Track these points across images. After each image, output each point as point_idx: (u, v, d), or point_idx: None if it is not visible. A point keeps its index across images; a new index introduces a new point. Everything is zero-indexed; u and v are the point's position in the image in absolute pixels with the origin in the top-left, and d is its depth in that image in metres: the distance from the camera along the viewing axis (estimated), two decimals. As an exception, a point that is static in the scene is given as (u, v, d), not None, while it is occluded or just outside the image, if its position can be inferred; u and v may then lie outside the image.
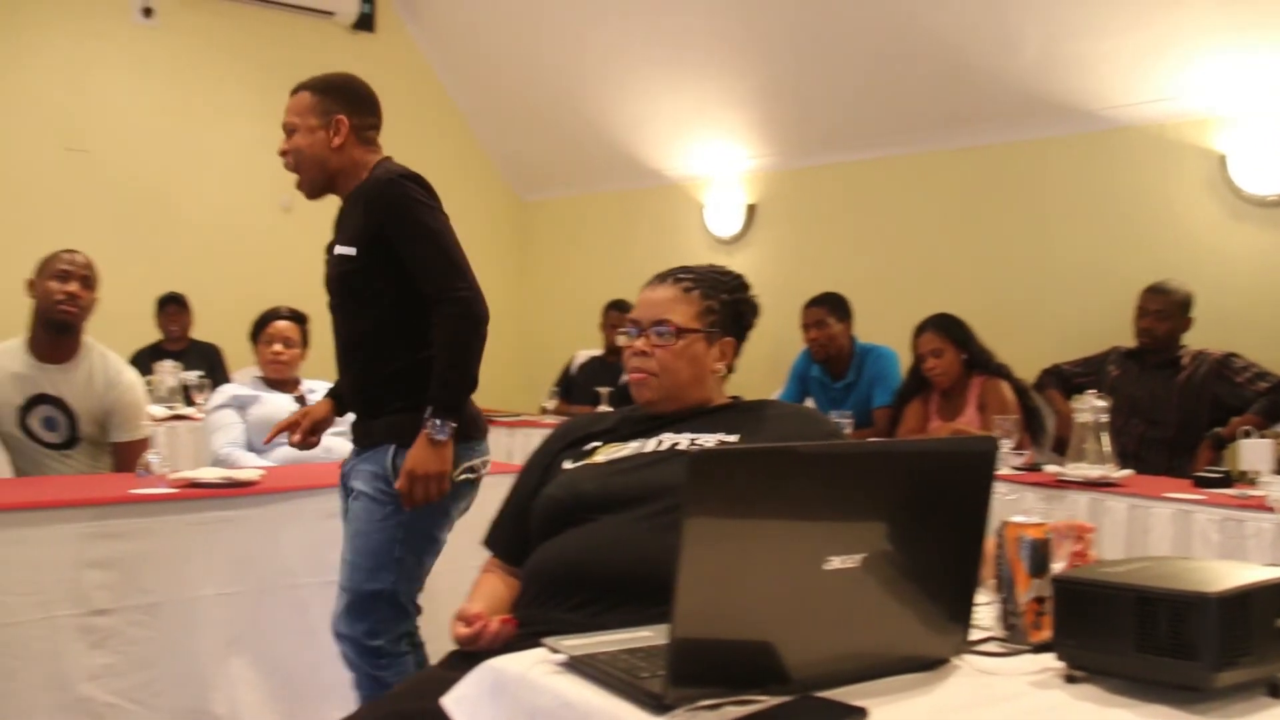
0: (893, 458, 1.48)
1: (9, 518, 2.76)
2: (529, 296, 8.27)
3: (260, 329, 4.17)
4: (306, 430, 2.90)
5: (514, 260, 8.27)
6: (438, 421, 2.52)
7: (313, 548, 3.20)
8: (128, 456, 3.52)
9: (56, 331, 3.56)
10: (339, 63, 7.13)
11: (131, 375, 3.72)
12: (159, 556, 2.96)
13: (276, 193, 7.17)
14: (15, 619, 2.74)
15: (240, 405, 4.02)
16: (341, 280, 2.68)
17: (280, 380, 4.12)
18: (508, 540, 2.18)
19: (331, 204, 7.58)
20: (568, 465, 2.12)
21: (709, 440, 2.05)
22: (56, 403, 3.54)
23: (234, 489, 3.11)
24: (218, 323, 6.33)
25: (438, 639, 2.63)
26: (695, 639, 1.27)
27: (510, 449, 5.70)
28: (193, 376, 4.79)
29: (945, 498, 1.46)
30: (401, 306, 2.63)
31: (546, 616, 1.86)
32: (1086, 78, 5.11)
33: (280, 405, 4.01)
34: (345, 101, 2.75)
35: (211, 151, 6.95)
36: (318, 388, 4.16)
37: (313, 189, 2.78)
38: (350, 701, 3.18)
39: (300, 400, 4.06)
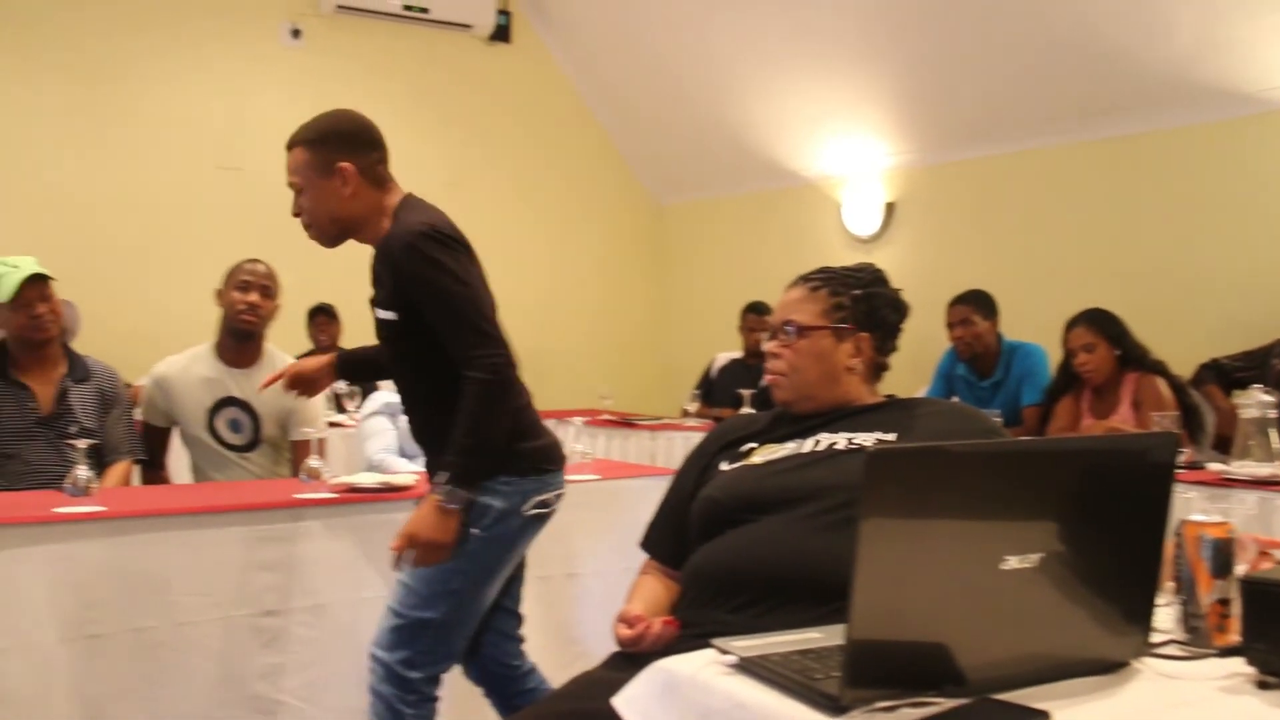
0: (1070, 455, 1.45)
1: (183, 521, 2.87)
2: (667, 300, 8.30)
3: (411, 337, 4.26)
4: (288, 383, 2.89)
5: (652, 264, 8.32)
6: (450, 489, 2.41)
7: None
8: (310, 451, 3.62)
9: (240, 338, 3.74)
10: (475, 74, 7.39)
11: None
12: (322, 559, 3.05)
13: (420, 203, 7.35)
14: (192, 618, 2.85)
15: (392, 413, 4.11)
16: (390, 343, 2.61)
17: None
18: (665, 542, 2.20)
19: (476, 215, 7.73)
20: (725, 467, 2.12)
21: (866, 439, 2.04)
22: (242, 405, 3.70)
23: (391, 493, 3.19)
24: (365, 332, 6.48)
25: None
26: (871, 640, 1.26)
27: (653, 452, 5.73)
28: (343, 385, 4.92)
29: (1124, 496, 1.42)
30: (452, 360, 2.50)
31: (709, 618, 1.87)
32: (1243, 59, 4.92)
33: (431, 411, 4.09)
34: (343, 145, 2.56)
35: (356, 165, 7.14)
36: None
37: (330, 241, 2.64)
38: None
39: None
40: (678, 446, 5.64)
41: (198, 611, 2.87)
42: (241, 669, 2.93)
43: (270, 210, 6.60)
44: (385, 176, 2.61)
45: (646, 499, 3.53)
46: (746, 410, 5.37)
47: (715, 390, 6.42)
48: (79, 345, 3.93)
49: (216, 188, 6.64)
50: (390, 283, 2.49)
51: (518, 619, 2.84)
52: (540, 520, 2.60)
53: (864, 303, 2.17)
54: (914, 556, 1.28)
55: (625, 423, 6.04)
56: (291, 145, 2.58)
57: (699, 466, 2.21)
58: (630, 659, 1.86)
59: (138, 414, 3.80)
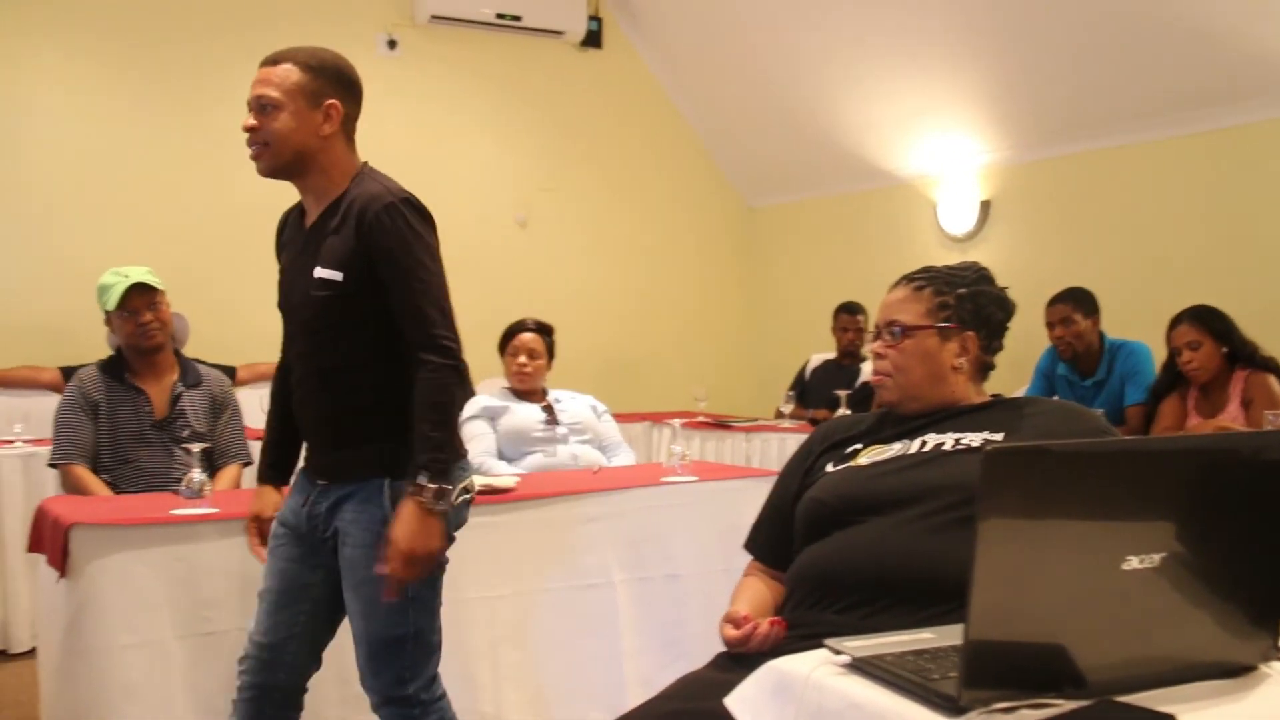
0: (1188, 454, 1.42)
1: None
2: (758, 302, 8.28)
3: (507, 341, 4.31)
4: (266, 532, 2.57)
5: (743, 266, 8.30)
6: (433, 488, 2.21)
7: (570, 552, 3.30)
8: None
9: None
10: (568, 79, 7.44)
11: None
12: (426, 560, 3.10)
13: (513, 208, 7.42)
14: (301, 619, 2.91)
15: (491, 416, 4.16)
16: (322, 305, 2.35)
17: (527, 391, 4.24)
18: (769, 543, 2.20)
19: (570, 220, 7.72)
20: (830, 468, 2.11)
21: (974, 439, 2.01)
22: None
23: (493, 495, 3.23)
24: (461, 336, 6.57)
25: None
26: (990, 641, 1.25)
27: (749, 454, 5.71)
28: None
29: (1244, 495, 1.39)
30: (386, 333, 2.33)
31: (816, 619, 1.86)
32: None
33: (529, 415, 4.13)
34: (337, 85, 2.37)
35: (450, 172, 7.23)
36: (564, 398, 4.27)
37: (274, 172, 2.36)
38: (615, 705, 3.27)
39: (547, 410, 4.17)
40: (773, 448, 5.63)
41: (306, 612, 2.93)
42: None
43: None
44: (353, 134, 2.43)
45: (745, 500, 3.55)
46: (843, 411, 5.34)
47: (809, 391, 6.39)
48: (187, 354, 4.05)
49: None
50: (353, 244, 2.29)
51: (331, 635, 2.54)
52: (467, 505, 2.44)
53: (969, 301, 2.15)
54: (1033, 556, 1.26)
55: (720, 425, 6.04)
56: (280, 60, 2.36)
57: (803, 468, 2.20)
58: (737, 660, 1.86)
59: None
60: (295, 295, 2.43)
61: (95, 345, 4.51)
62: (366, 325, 2.32)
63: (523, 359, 4.24)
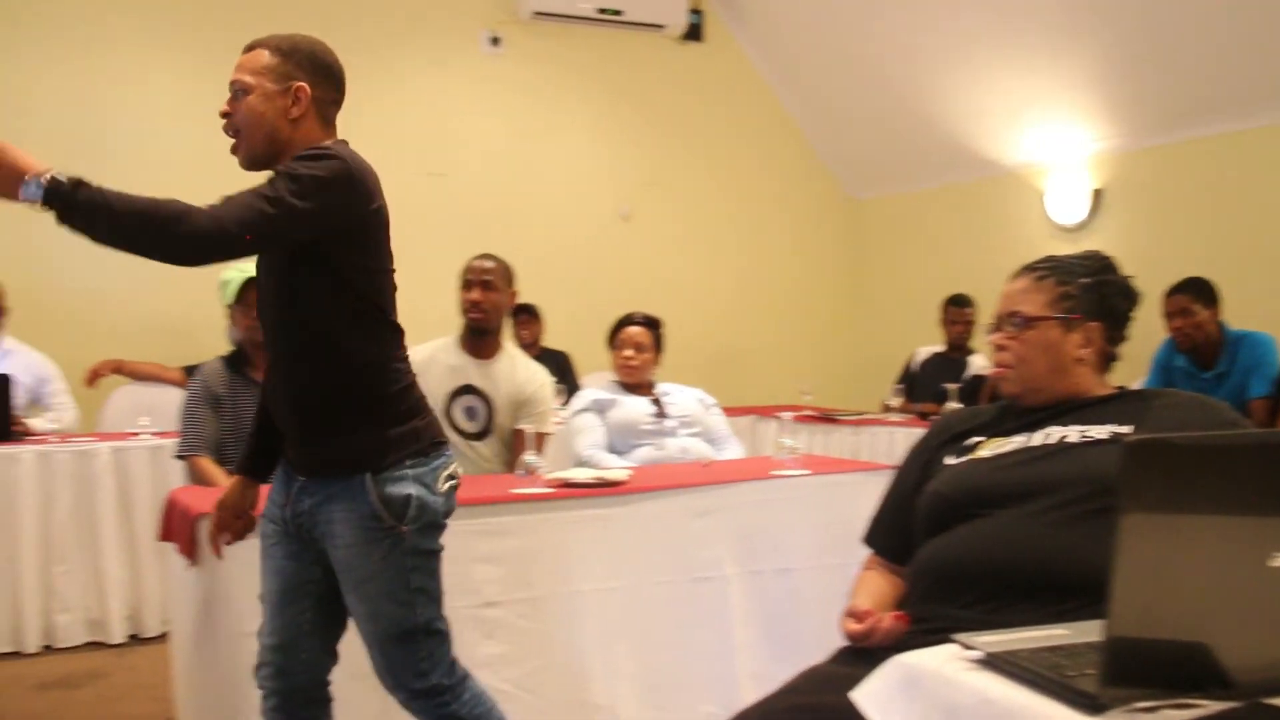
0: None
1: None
2: (864, 295, 8.21)
3: (615, 334, 4.33)
4: (231, 528, 2.56)
5: (847, 259, 8.24)
6: (54, 180, 1.92)
7: (682, 545, 3.31)
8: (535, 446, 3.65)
9: (473, 333, 3.88)
10: (670, 73, 7.44)
11: (545, 374, 4.00)
12: (539, 553, 3.14)
13: (615, 202, 7.45)
14: (419, 609, 2.96)
15: (600, 409, 4.18)
16: (275, 284, 2.31)
17: (635, 384, 4.25)
18: (888, 537, 2.18)
19: (672, 213, 7.74)
20: (950, 461, 2.09)
21: (1100, 432, 1.97)
22: (479, 394, 3.83)
23: (606, 488, 3.25)
24: (565, 330, 6.63)
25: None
26: (1131, 638, 1.22)
27: (856, 448, 5.67)
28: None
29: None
30: (350, 317, 2.28)
31: (940, 613, 1.84)
32: None
33: (638, 408, 4.15)
34: (309, 69, 2.32)
35: (554, 166, 7.29)
36: (672, 390, 4.28)
37: (253, 160, 2.30)
38: (727, 699, 3.27)
39: (656, 403, 4.18)
40: (881, 441, 5.58)
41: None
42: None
43: (476, 213, 6.90)
44: (332, 119, 2.37)
45: (857, 494, 3.53)
46: (951, 405, 5.27)
47: (917, 384, 6.32)
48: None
49: (425, 193, 6.87)
50: None
51: (342, 629, 2.46)
52: (453, 493, 2.40)
53: (1093, 291, 2.10)
54: (1175, 552, 1.23)
55: (827, 418, 6.00)
56: (255, 45, 2.33)
57: (921, 461, 2.18)
58: (860, 654, 1.85)
59: None
60: (262, 279, 2.38)
61: (215, 345, 4.63)
62: (324, 307, 2.26)
63: (629, 352, 4.25)
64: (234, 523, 2.55)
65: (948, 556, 1.92)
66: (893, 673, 1.46)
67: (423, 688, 2.35)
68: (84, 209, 1.94)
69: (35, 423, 4.98)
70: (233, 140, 2.30)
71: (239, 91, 2.28)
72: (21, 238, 5.88)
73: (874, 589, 2.11)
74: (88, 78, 6.08)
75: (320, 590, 2.38)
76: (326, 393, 2.30)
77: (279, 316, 2.33)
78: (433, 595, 2.37)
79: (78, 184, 1.94)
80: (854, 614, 1.90)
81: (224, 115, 2.30)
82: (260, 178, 2.20)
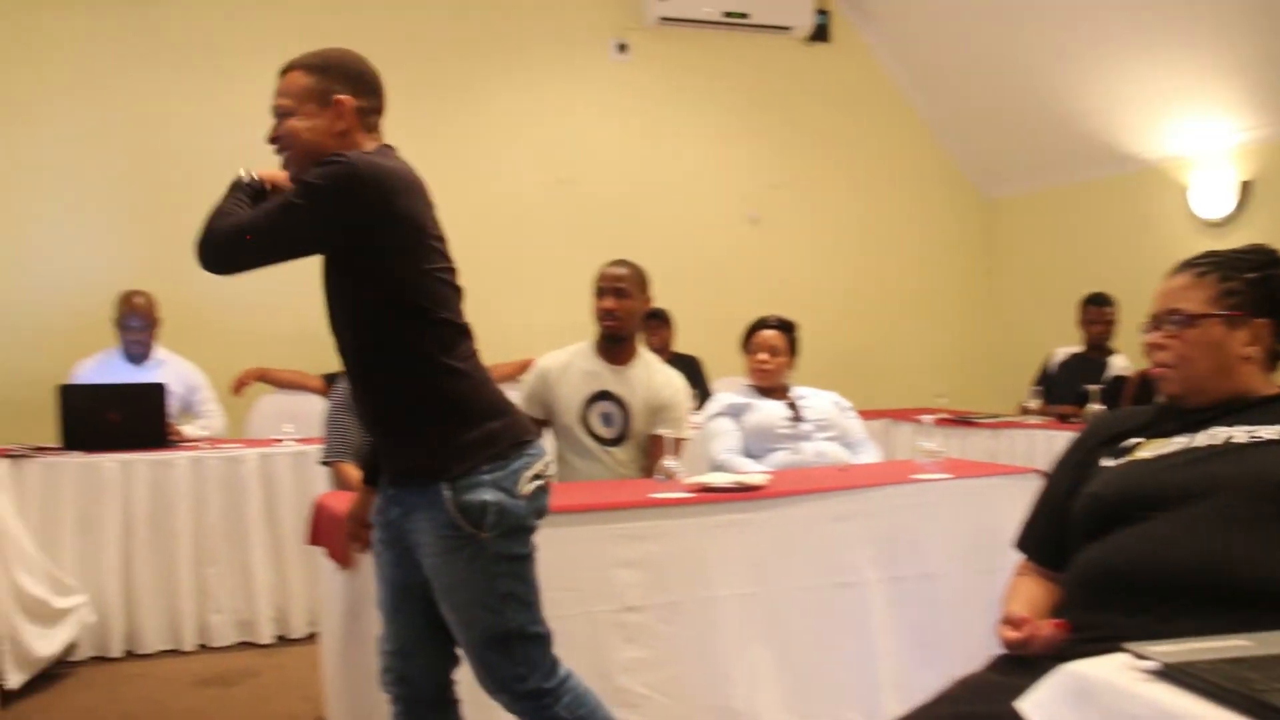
0: None
1: (551, 520, 2.98)
2: (997, 295, 8.05)
3: (748, 338, 4.31)
4: (360, 538, 2.64)
5: (980, 258, 8.09)
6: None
7: (822, 550, 3.28)
8: (670, 451, 3.61)
9: (607, 340, 3.86)
10: (796, 75, 7.41)
11: (681, 379, 3.96)
12: (679, 557, 3.13)
13: (743, 205, 7.43)
14: (560, 613, 2.95)
15: (735, 413, 4.16)
16: (339, 298, 2.34)
17: (770, 388, 4.23)
18: (1042, 542, 2.13)
19: (801, 216, 7.71)
20: (1108, 463, 2.02)
21: (1270, 433, 1.89)
22: (616, 400, 3.81)
23: (745, 493, 3.23)
24: (695, 335, 6.63)
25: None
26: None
27: (994, 451, 5.55)
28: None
29: None
30: (414, 324, 2.28)
31: (1103, 621, 1.78)
32: None
33: (773, 412, 4.12)
34: (346, 80, 2.36)
35: (681, 171, 7.30)
36: (807, 394, 4.25)
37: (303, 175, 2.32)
38: (869, 706, 3.23)
39: (791, 406, 4.15)
40: (1020, 444, 5.46)
41: (564, 606, 2.97)
42: (606, 663, 3.03)
43: (605, 218, 6.95)
44: (375, 127, 2.41)
45: (1001, 499, 3.46)
46: (1094, 406, 5.14)
47: (1054, 386, 6.17)
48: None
49: (555, 200, 6.95)
50: None
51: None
52: (543, 492, 2.37)
53: (1260, 286, 2.02)
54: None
55: (963, 421, 5.89)
56: (289, 69, 2.37)
57: (1076, 463, 2.12)
58: (1017, 662, 1.81)
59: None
60: (328, 291, 2.39)
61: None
62: (371, 314, 2.28)
63: (763, 355, 4.23)
64: (362, 532, 2.60)
65: (1110, 562, 1.85)
66: (1062, 683, 1.42)
67: (523, 691, 2.34)
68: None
69: (187, 429, 5.16)
70: (282, 161, 2.38)
71: (282, 115, 2.34)
72: (172, 252, 6.09)
73: (1028, 595, 2.05)
74: (219, 92, 6.30)
75: (428, 594, 2.38)
76: (389, 400, 2.33)
77: (337, 327, 2.36)
78: (524, 600, 2.34)
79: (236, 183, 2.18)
80: (1011, 621, 1.86)
81: (271, 141, 2.36)
82: None
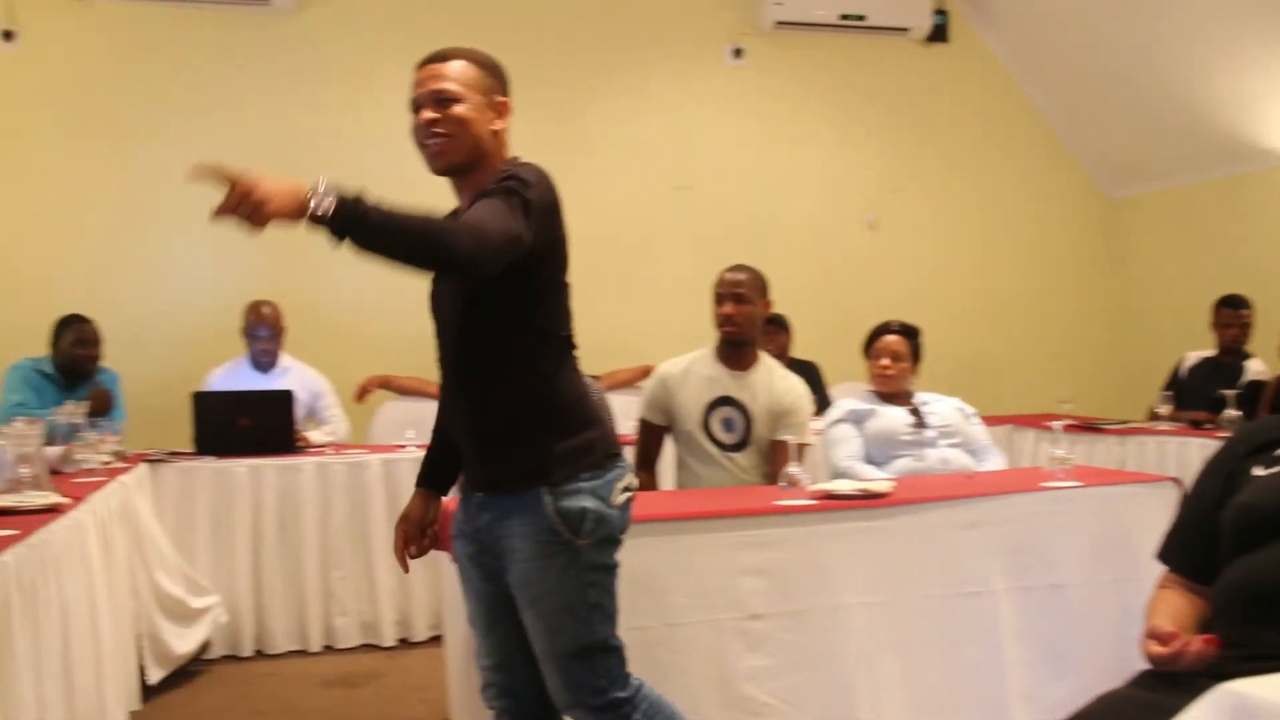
0: None
1: (676, 526, 3.01)
2: (1123, 298, 7.83)
3: (871, 343, 4.25)
4: (416, 542, 2.61)
5: (1104, 260, 7.87)
6: (327, 197, 1.91)
7: (948, 559, 3.22)
8: (787, 456, 3.56)
9: (728, 345, 3.83)
10: (912, 76, 7.32)
11: (803, 385, 3.91)
12: (804, 565, 3.10)
13: (861, 209, 7.36)
14: (684, 620, 2.98)
15: (857, 419, 4.11)
16: (462, 304, 2.32)
17: (892, 393, 4.17)
18: (1187, 554, 2.06)
19: (919, 219, 7.59)
20: (1260, 472, 1.95)
21: None
22: (737, 405, 3.78)
23: (869, 500, 3.19)
24: (813, 340, 6.57)
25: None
26: None
27: (1122, 458, 5.40)
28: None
29: None
30: (526, 333, 2.29)
31: (1259, 638, 1.71)
32: None
33: (896, 418, 4.06)
34: (505, 85, 2.38)
35: (798, 176, 7.26)
36: (930, 400, 4.18)
37: (450, 167, 2.31)
38: (1002, 717, 3.17)
39: (914, 412, 4.09)
40: (1150, 452, 5.30)
41: (688, 613, 2.99)
42: (730, 670, 3.02)
43: (722, 224, 6.95)
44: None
45: (1135, 508, 3.38)
46: (1230, 412, 4.98)
47: (1185, 391, 5.97)
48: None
49: (672, 207, 6.96)
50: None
51: None
52: (630, 506, 2.38)
53: None
54: None
55: (1089, 427, 5.74)
56: (450, 56, 2.32)
57: (1224, 473, 2.05)
58: (1164, 679, 1.75)
59: (637, 414, 3.94)
60: (443, 299, 2.40)
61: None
62: (505, 325, 2.28)
63: (886, 361, 4.17)
64: (418, 537, 2.60)
65: (1263, 575, 1.79)
66: (1220, 702, 1.37)
67: (600, 704, 2.31)
68: (368, 223, 1.91)
69: (313, 435, 5.28)
70: (432, 144, 2.28)
71: (446, 99, 2.27)
72: (295, 261, 6.27)
73: (1173, 609, 1.99)
74: (344, 107, 6.45)
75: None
76: (500, 408, 2.31)
77: (456, 335, 2.35)
78: (609, 612, 2.34)
79: (358, 199, 1.92)
80: (1157, 635, 1.80)
81: (430, 122, 2.27)
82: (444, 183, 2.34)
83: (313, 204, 1.90)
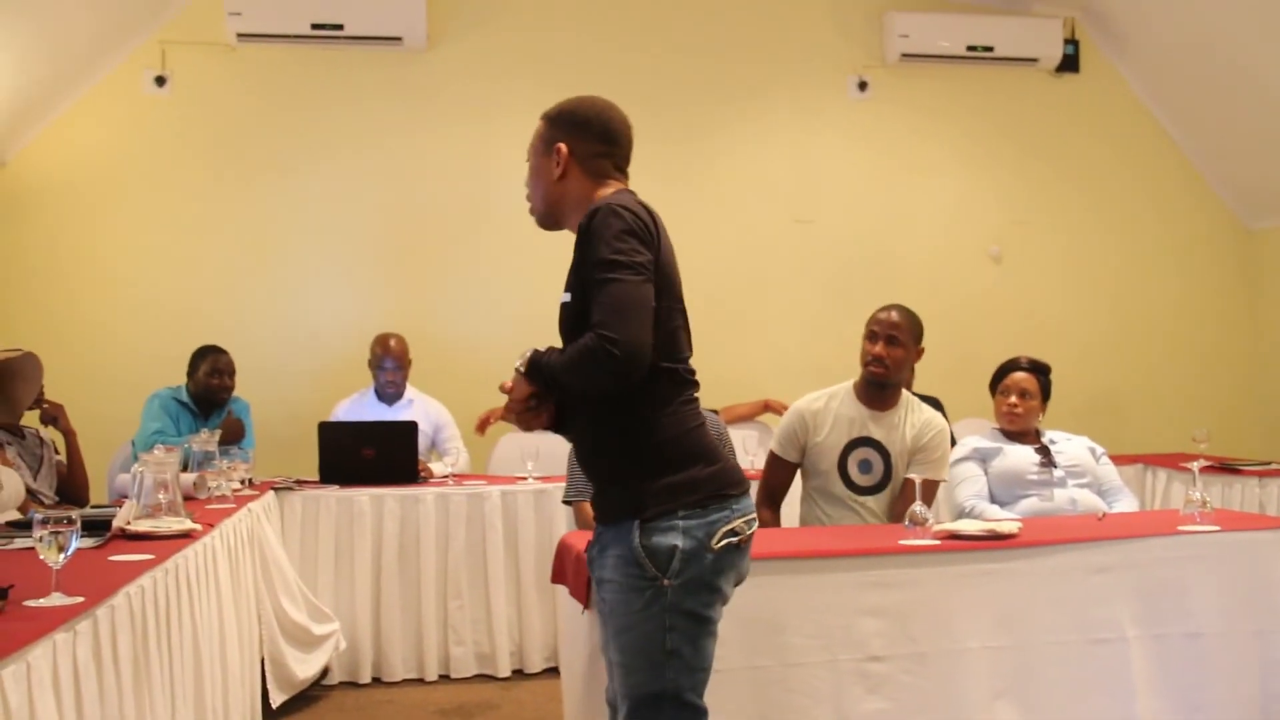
0: None
1: (796, 565, 2.97)
2: (1262, 333, 7.53)
3: (998, 380, 4.16)
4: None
5: (1243, 294, 7.58)
6: (524, 361, 2.26)
7: (1077, 603, 3.14)
8: (925, 494, 3.47)
9: (873, 386, 3.72)
10: (1041, 107, 7.19)
11: (942, 419, 3.82)
12: (927, 606, 3.04)
13: (985, 242, 7.22)
14: (803, 660, 2.94)
15: (982, 458, 4.02)
16: (563, 330, 2.33)
17: (1019, 432, 4.07)
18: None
19: (1045, 251, 7.41)
20: None
21: None
22: (876, 446, 3.68)
23: (996, 541, 3.12)
24: (935, 375, 6.46)
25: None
26: None
27: (1262, 501, 5.20)
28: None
29: None
30: None
31: None
32: None
33: (1023, 457, 3.97)
34: (572, 126, 2.42)
35: (921, 208, 7.15)
36: (1059, 439, 4.07)
37: (540, 220, 2.48)
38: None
39: (1042, 451, 3.99)
40: (1285, 496, 5.09)
41: (807, 653, 2.96)
42: (847, 713, 2.97)
43: (841, 258, 6.89)
44: (605, 171, 2.41)
45: (1276, 554, 3.23)
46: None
47: (1330, 432, 5.73)
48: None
49: (792, 241, 6.92)
50: (576, 260, 2.27)
51: None
52: (736, 552, 2.26)
53: None
54: None
55: (1227, 468, 5.53)
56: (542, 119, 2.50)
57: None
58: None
59: (771, 447, 3.86)
60: (562, 335, 2.39)
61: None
62: None
63: (1014, 399, 4.07)
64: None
65: None
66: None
67: None
68: (545, 374, 2.23)
69: (435, 466, 5.35)
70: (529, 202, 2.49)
71: (529, 163, 2.48)
72: (421, 295, 6.40)
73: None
74: (471, 146, 6.56)
75: None
76: (600, 443, 2.33)
77: None
78: (690, 664, 2.22)
79: (538, 358, 2.25)
80: None
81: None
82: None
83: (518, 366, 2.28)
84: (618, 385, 2.16)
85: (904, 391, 3.80)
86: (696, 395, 2.36)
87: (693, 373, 2.36)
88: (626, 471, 2.27)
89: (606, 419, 2.28)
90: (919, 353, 3.78)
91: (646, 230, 2.23)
